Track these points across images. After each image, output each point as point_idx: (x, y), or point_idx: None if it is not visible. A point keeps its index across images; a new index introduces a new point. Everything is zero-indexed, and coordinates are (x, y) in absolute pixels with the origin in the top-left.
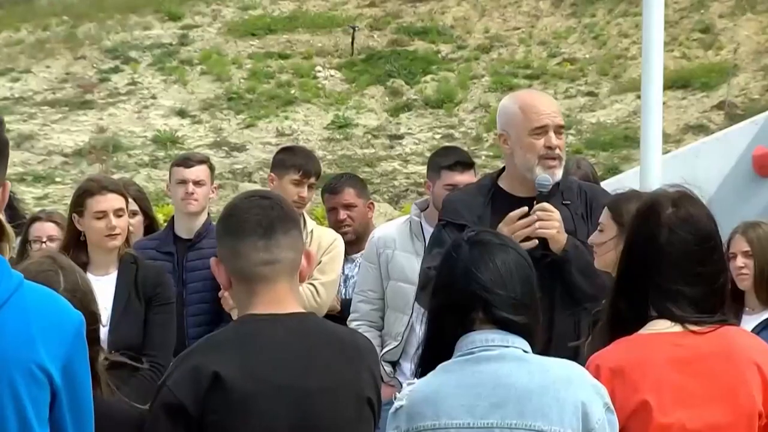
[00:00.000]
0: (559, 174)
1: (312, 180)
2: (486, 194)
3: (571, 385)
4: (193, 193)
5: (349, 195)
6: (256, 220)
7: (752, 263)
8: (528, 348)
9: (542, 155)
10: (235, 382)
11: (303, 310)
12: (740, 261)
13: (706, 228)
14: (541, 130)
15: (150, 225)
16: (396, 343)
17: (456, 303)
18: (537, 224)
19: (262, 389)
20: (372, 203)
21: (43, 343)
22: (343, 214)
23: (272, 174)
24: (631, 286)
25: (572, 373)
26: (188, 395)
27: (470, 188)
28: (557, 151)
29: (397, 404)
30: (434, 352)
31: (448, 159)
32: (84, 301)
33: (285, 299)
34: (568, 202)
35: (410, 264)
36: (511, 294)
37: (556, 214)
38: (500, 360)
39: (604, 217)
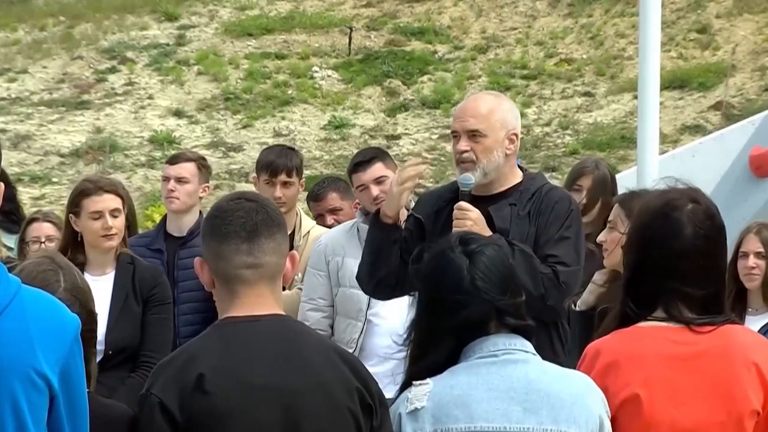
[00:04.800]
0: (476, 176)
1: (284, 177)
2: (454, 191)
3: (592, 395)
4: (173, 191)
5: (332, 199)
6: (240, 223)
7: (764, 264)
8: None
9: (456, 159)
10: (217, 386)
11: (282, 312)
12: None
13: (721, 223)
14: (455, 136)
15: (129, 226)
16: (350, 350)
17: (470, 318)
18: (454, 222)
19: (244, 391)
20: (358, 203)
21: (42, 349)
22: (330, 219)
23: (254, 176)
24: (642, 286)
25: (590, 384)
26: (174, 401)
27: (446, 184)
28: (465, 155)
29: (413, 405)
30: (436, 363)
31: (351, 164)
32: (83, 300)
33: (265, 302)
34: (514, 203)
35: None
36: (516, 300)
37: (473, 213)
38: (525, 364)
39: (614, 214)
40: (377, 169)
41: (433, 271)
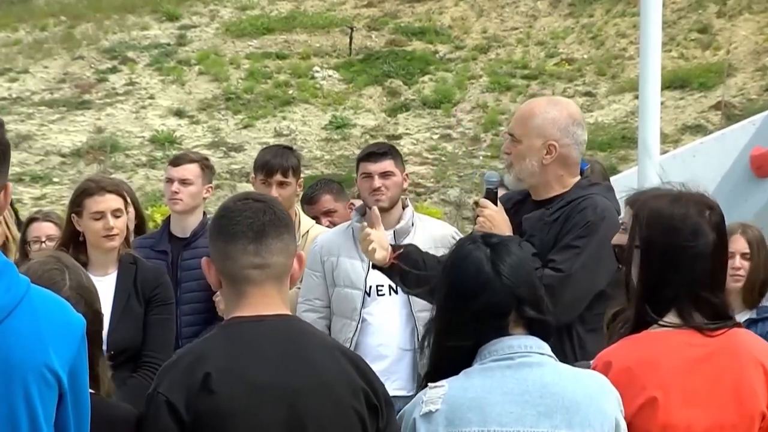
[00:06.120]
0: (508, 176)
1: (279, 177)
2: (523, 194)
3: (607, 397)
4: (177, 192)
5: (326, 201)
6: (248, 224)
7: (749, 265)
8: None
9: None
10: (223, 386)
11: (289, 312)
12: (738, 262)
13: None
14: None
15: (140, 224)
16: None
17: (490, 304)
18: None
19: (249, 390)
20: (352, 203)
21: (54, 347)
22: (325, 222)
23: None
24: (663, 291)
25: (605, 385)
26: (181, 400)
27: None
28: (504, 156)
29: (428, 407)
30: (454, 361)
31: (363, 152)
32: (89, 300)
33: (272, 302)
34: (549, 208)
35: (355, 269)
36: (537, 293)
37: (487, 210)
38: (541, 367)
39: (626, 215)
40: (387, 164)
41: (454, 261)
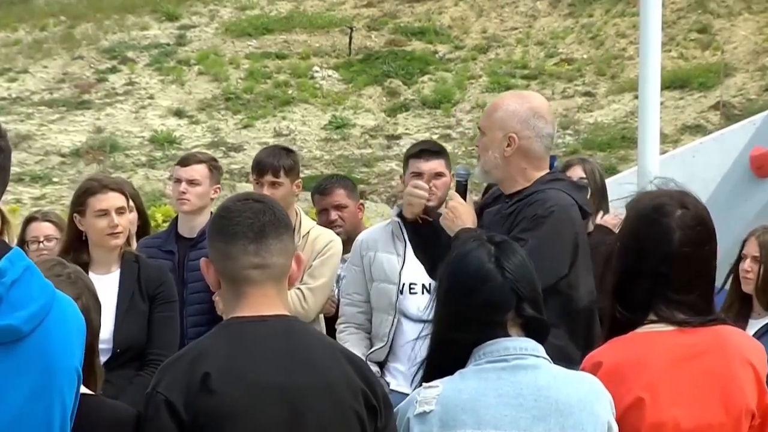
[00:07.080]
0: (476, 171)
1: (270, 177)
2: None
3: (600, 401)
4: (185, 192)
5: (339, 196)
6: (248, 224)
7: (758, 268)
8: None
9: None
10: (223, 385)
11: (288, 313)
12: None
13: (711, 228)
14: None
15: (143, 225)
16: (382, 344)
17: (491, 302)
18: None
19: (249, 390)
20: (362, 204)
21: (78, 347)
22: (334, 215)
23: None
24: (634, 290)
25: (597, 388)
26: (180, 399)
27: None
28: (477, 150)
29: (422, 408)
30: (450, 358)
31: (415, 149)
32: (94, 293)
33: (272, 303)
34: (507, 203)
35: (390, 264)
36: (537, 292)
37: (453, 202)
38: (535, 370)
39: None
40: (438, 164)
41: (456, 257)
